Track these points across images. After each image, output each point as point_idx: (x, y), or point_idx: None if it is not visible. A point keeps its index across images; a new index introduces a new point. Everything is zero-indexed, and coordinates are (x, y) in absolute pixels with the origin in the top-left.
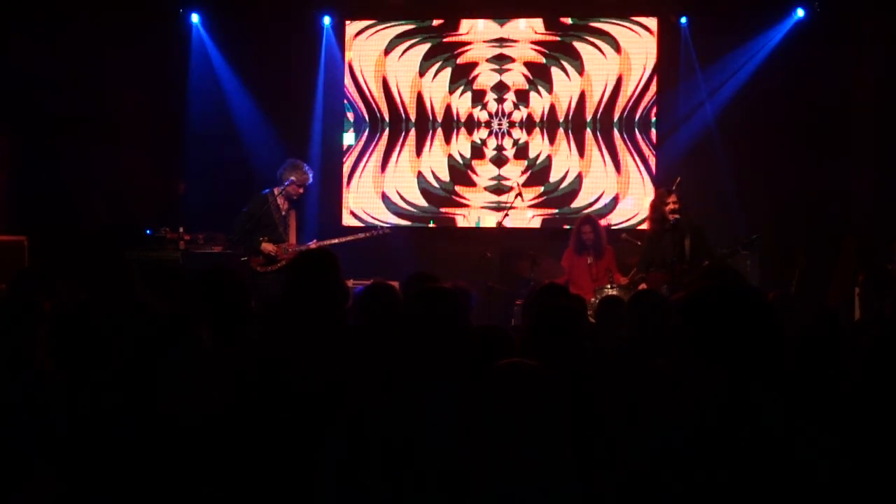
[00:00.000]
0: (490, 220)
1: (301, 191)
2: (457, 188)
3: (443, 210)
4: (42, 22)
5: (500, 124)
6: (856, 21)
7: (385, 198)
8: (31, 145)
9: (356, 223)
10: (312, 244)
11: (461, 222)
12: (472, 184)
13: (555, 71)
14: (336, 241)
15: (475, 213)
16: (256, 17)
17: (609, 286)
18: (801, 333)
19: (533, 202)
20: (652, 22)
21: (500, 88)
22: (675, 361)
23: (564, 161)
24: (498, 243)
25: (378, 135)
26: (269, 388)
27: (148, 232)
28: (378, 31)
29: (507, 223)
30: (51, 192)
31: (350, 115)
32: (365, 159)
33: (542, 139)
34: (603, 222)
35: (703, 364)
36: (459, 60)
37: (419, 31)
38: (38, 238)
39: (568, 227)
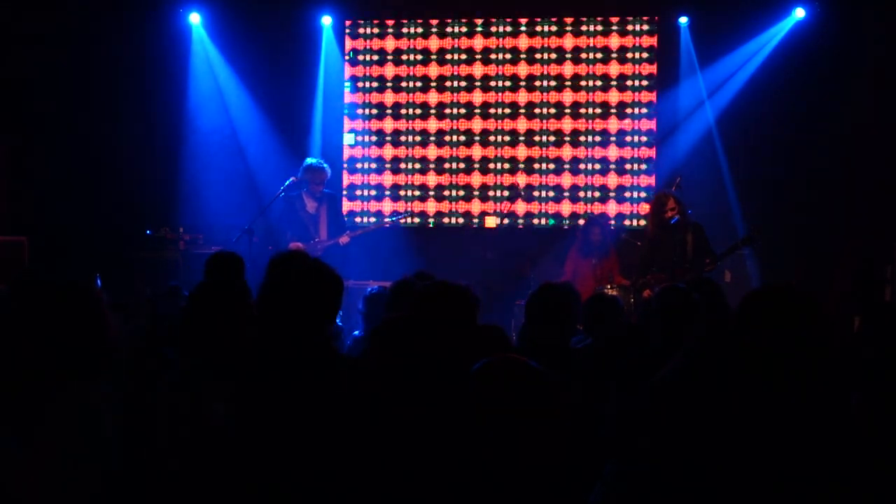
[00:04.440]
0: (490, 221)
1: (320, 187)
2: (455, 191)
3: (442, 212)
4: (42, 22)
5: (500, 126)
6: (856, 21)
7: (384, 198)
8: (31, 145)
9: (357, 222)
10: (343, 238)
11: (461, 223)
12: (471, 187)
13: (554, 71)
14: (360, 231)
15: (476, 214)
16: (256, 17)
17: (609, 286)
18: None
19: (533, 204)
20: (652, 22)
21: (500, 89)
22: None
23: (564, 162)
24: (498, 243)
25: (378, 135)
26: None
27: (148, 232)
28: (378, 30)
29: (507, 223)
30: (51, 192)
31: (350, 116)
32: (365, 159)
33: (543, 139)
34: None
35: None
36: (459, 60)
37: (420, 30)
38: (38, 238)
39: (567, 226)
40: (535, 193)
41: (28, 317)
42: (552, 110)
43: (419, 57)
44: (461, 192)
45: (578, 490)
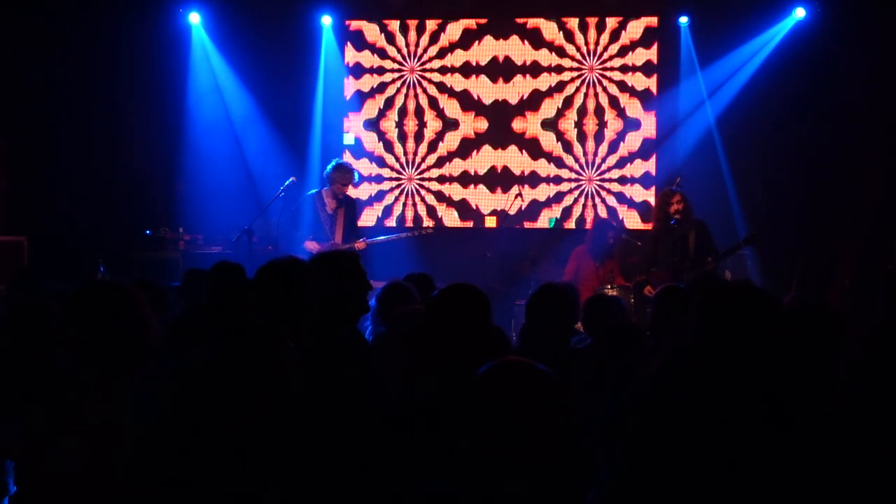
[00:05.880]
0: (490, 221)
1: (346, 189)
2: (456, 190)
3: (442, 213)
4: (42, 22)
5: (499, 125)
6: (856, 21)
7: (384, 198)
8: (31, 145)
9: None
10: (359, 243)
11: (461, 223)
12: (471, 187)
13: (554, 70)
14: (380, 239)
15: (476, 214)
16: (256, 18)
17: (610, 287)
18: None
19: (536, 203)
20: (652, 22)
21: (500, 88)
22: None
23: (564, 162)
24: (498, 243)
25: (378, 135)
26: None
27: (148, 232)
28: (378, 30)
29: (508, 223)
30: (51, 192)
31: (350, 115)
32: (365, 159)
33: (542, 139)
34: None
35: (718, 364)
36: (460, 59)
37: (420, 30)
38: (38, 238)
39: (567, 227)
40: (535, 194)
41: (75, 317)
42: (552, 110)
43: (418, 57)
44: (461, 192)
45: (577, 491)
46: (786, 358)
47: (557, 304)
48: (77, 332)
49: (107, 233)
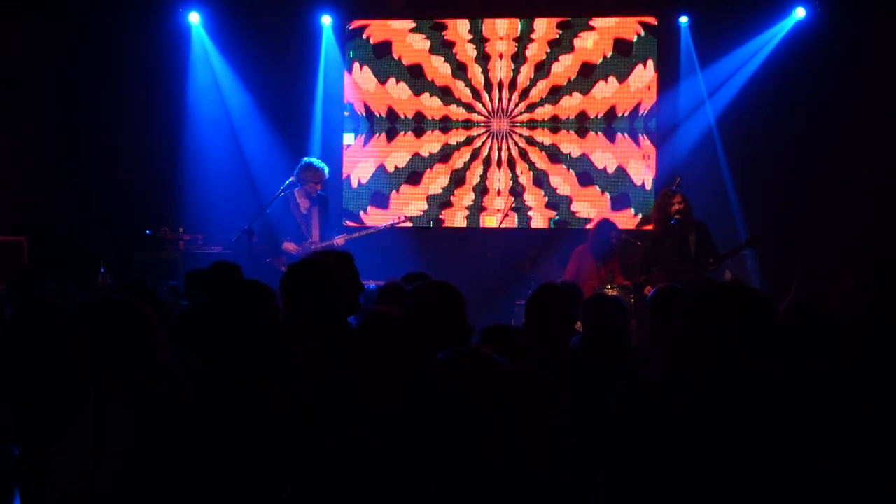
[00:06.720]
0: (490, 221)
1: (318, 187)
2: (456, 190)
3: (443, 211)
4: (42, 22)
5: (499, 125)
6: (856, 21)
7: (384, 198)
8: (31, 145)
9: (356, 223)
10: (338, 239)
11: (460, 223)
12: (471, 187)
13: (555, 69)
14: (357, 234)
15: (475, 214)
16: (256, 17)
17: (610, 286)
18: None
19: (536, 204)
20: (652, 22)
21: (500, 89)
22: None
23: (564, 162)
24: (498, 243)
25: (377, 135)
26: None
27: (148, 232)
28: (378, 30)
29: (508, 223)
30: (50, 192)
31: (349, 115)
32: (364, 159)
33: (541, 139)
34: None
35: (707, 359)
36: (459, 60)
37: (419, 30)
38: (37, 238)
39: (568, 227)
40: (535, 193)
41: (81, 336)
42: (551, 110)
43: (418, 56)
44: (461, 192)
45: (576, 491)
46: (782, 357)
47: (557, 303)
48: (83, 351)
49: (107, 233)
